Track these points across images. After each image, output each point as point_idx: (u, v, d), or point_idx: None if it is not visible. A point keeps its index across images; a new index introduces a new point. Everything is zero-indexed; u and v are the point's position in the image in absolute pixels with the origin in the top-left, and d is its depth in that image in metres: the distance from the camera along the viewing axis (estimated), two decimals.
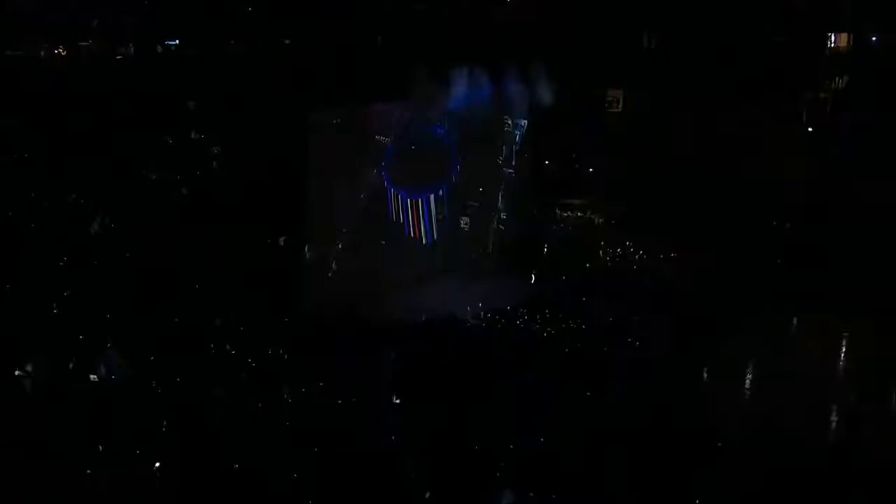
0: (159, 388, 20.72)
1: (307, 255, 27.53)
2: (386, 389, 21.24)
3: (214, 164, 31.42)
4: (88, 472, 17.27)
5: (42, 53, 32.23)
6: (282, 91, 31.90)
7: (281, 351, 23.26)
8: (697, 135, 36.02)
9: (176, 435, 18.68)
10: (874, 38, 36.21)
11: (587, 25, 37.35)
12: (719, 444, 18.70)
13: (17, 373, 21.20)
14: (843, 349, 26.54)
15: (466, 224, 32.54)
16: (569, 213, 35.28)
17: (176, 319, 24.44)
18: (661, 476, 17.28)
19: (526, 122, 33.45)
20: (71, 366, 21.73)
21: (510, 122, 33.22)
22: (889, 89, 33.65)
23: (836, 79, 36.66)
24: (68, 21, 31.97)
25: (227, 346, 23.39)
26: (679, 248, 31.99)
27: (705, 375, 24.19)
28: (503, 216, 33.56)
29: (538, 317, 27.08)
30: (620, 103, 37.56)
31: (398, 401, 20.82)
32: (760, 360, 25.39)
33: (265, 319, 25.09)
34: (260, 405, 20.37)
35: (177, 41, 34.63)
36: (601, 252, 32.88)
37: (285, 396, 21.08)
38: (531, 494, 16.92)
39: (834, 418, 21.79)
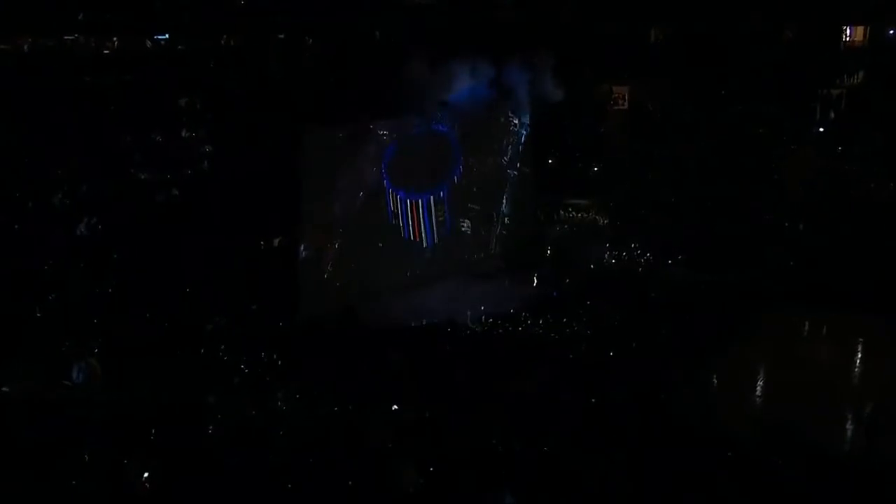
0: (151, 392, 20.39)
1: (303, 257, 27.13)
2: (385, 393, 20.86)
3: (206, 163, 31.18)
4: (74, 482, 16.92)
5: (26, 48, 32.10)
6: (278, 88, 31.71)
7: (275, 355, 22.91)
8: (705, 133, 35.81)
9: (168, 441, 18.33)
10: (892, 31, 35.82)
11: (593, 22, 37.23)
12: (729, 453, 18.32)
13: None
14: (854, 351, 26.20)
15: (468, 228, 32.15)
16: (573, 213, 35.20)
17: (167, 323, 24.26)
18: (664, 481, 17.09)
19: (530, 120, 33.12)
20: (57, 371, 21.40)
21: (515, 122, 32.88)
22: None
23: (850, 75, 36.35)
24: (54, 14, 31.78)
25: (221, 350, 23.05)
26: (685, 249, 31.57)
27: (711, 379, 23.94)
28: (506, 220, 33.24)
29: (541, 320, 26.66)
30: (626, 101, 37.48)
31: (398, 405, 20.40)
32: (768, 363, 25.15)
33: (260, 322, 24.89)
34: (254, 410, 20.06)
35: (166, 35, 34.46)
36: (606, 254, 32.51)
37: (280, 401, 20.71)
38: (533, 498, 16.73)
39: (844, 421, 21.41)
